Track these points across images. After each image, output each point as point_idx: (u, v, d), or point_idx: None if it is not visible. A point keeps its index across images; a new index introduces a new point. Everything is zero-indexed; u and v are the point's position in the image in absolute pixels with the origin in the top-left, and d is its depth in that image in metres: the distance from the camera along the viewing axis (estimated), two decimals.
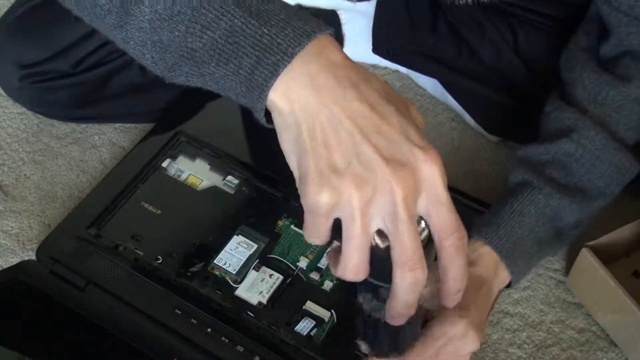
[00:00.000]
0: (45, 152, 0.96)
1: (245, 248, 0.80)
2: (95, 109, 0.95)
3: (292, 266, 0.79)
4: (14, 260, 0.85)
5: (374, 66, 1.04)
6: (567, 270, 0.85)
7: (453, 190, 0.85)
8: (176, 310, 0.75)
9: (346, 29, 0.98)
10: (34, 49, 0.89)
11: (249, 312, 0.76)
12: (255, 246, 0.81)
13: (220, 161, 0.88)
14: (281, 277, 0.78)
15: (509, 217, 0.73)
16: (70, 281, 0.77)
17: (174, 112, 0.94)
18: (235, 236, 0.81)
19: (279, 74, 0.45)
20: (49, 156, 0.95)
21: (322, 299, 0.77)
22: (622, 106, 0.75)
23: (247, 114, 0.97)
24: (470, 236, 0.72)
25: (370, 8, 0.95)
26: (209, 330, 0.74)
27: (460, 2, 0.86)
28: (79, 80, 0.90)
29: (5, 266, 0.83)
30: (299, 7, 0.72)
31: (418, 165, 0.45)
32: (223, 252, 0.80)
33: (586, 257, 0.78)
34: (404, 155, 0.44)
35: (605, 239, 0.80)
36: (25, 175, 0.93)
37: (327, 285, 0.78)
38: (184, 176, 0.87)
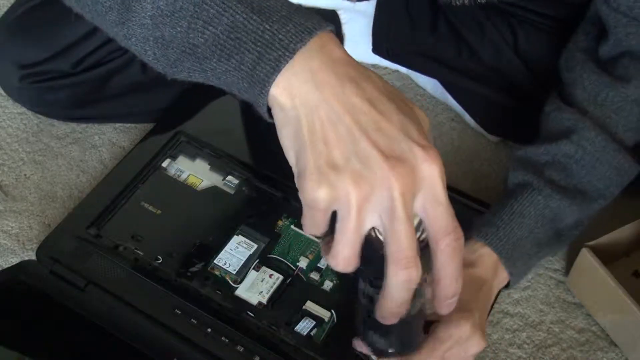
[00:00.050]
0: (45, 152, 0.96)
1: (245, 248, 0.80)
2: (95, 109, 0.95)
3: (292, 266, 0.79)
4: (14, 260, 0.84)
5: (374, 66, 1.04)
6: (567, 270, 0.85)
7: (453, 190, 0.86)
8: (176, 310, 0.75)
9: (346, 29, 0.98)
10: (34, 49, 0.89)
11: (249, 312, 0.76)
12: (255, 246, 0.80)
13: (220, 161, 0.88)
14: (281, 277, 0.78)
15: (509, 219, 0.73)
16: (70, 281, 0.77)
17: (174, 112, 0.94)
18: (235, 236, 0.81)
19: (280, 69, 0.45)
20: (49, 156, 0.95)
21: (322, 299, 0.77)
22: (622, 107, 0.75)
23: (247, 114, 0.97)
24: (470, 237, 0.72)
25: (370, 8, 0.95)
26: (209, 330, 0.74)
27: (457, 2, 0.86)
28: (79, 80, 0.90)
29: (5, 266, 0.83)
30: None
31: (417, 163, 0.44)
32: (223, 252, 0.80)
33: (586, 257, 0.78)
34: (403, 152, 0.44)
35: (605, 239, 0.80)
36: (25, 175, 0.93)
37: (327, 285, 0.78)
38: (184, 176, 0.87)
